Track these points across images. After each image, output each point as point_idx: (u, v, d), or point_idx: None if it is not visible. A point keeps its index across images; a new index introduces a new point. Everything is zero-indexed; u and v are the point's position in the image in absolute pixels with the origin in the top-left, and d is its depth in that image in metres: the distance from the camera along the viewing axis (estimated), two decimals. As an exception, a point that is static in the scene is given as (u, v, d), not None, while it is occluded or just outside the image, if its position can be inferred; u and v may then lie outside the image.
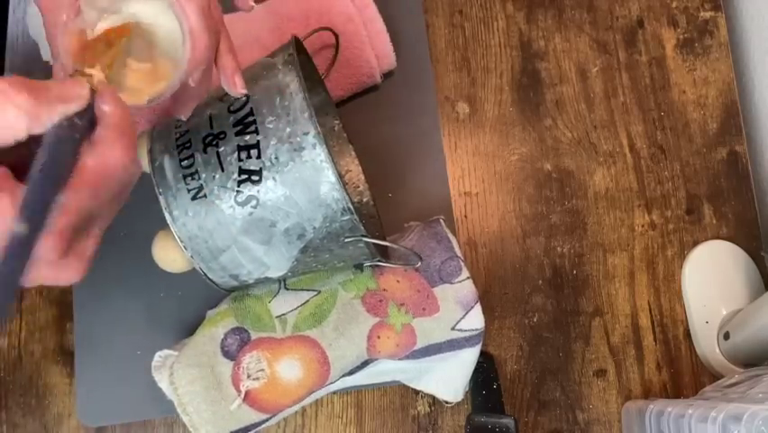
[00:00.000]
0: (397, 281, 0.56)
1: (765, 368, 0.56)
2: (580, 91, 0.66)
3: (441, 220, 0.60)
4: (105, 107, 0.35)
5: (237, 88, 0.45)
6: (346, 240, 0.49)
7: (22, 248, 0.30)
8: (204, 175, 0.48)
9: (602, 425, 0.61)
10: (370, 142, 0.63)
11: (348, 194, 0.47)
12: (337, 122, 0.62)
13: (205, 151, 0.48)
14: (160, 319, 0.61)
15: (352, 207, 0.47)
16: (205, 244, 0.49)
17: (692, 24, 0.67)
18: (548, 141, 0.65)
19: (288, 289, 0.55)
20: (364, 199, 0.61)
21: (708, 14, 0.68)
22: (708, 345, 0.61)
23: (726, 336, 0.59)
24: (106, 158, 0.34)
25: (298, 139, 0.46)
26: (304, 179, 0.46)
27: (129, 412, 0.61)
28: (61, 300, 0.63)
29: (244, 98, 0.48)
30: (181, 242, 0.49)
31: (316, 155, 0.45)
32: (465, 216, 0.64)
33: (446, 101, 0.66)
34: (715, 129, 0.66)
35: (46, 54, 0.67)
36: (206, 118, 0.49)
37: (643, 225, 0.64)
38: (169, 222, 0.49)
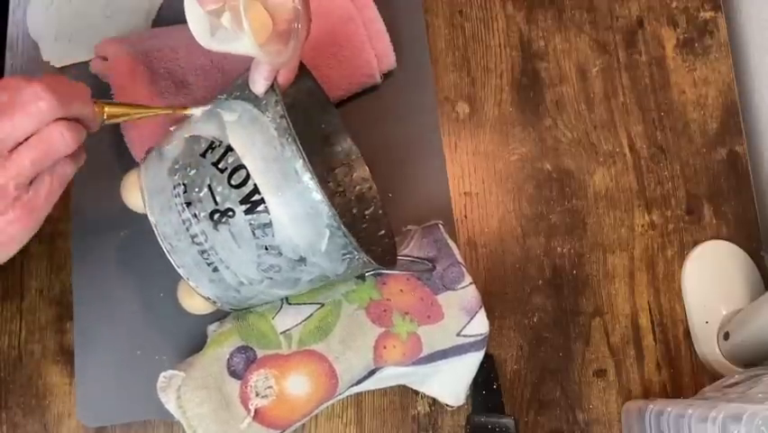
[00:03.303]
0: (401, 290, 0.56)
1: (765, 368, 0.56)
2: (580, 91, 0.66)
3: (440, 225, 0.60)
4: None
5: (257, 87, 0.46)
6: (367, 273, 0.52)
7: None
8: (221, 253, 0.47)
9: (602, 425, 0.61)
10: (370, 142, 0.62)
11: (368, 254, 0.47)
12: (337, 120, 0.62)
13: (216, 228, 0.46)
14: (160, 319, 0.61)
15: (374, 262, 0.48)
16: (234, 297, 0.51)
17: (692, 24, 0.67)
18: (548, 141, 0.65)
19: (290, 303, 0.55)
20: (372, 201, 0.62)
21: (708, 14, 0.68)
22: (708, 345, 0.61)
23: (726, 336, 0.59)
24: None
25: (314, 222, 0.45)
26: (325, 249, 0.46)
27: (129, 412, 0.61)
28: (61, 300, 0.63)
29: (244, 171, 0.45)
30: (209, 299, 0.51)
31: (334, 231, 0.45)
32: (465, 217, 0.64)
33: (446, 101, 0.66)
34: (715, 129, 0.66)
35: (46, 54, 0.67)
36: (207, 191, 0.46)
37: (643, 225, 0.64)
38: (192, 288, 0.50)
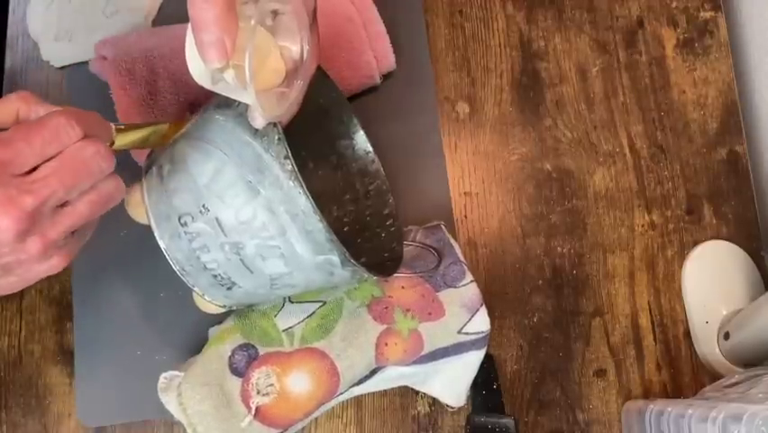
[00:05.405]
0: (402, 287, 0.56)
1: (765, 368, 0.56)
2: (580, 91, 0.66)
3: (442, 226, 0.60)
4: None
5: (256, 121, 0.43)
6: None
7: None
8: (234, 277, 0.47)
9: (602, 425, 0.61)
10: (369, 142, 0.62)
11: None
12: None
13: (227, 258, 0.46)
14: (160, 319, 0.61)
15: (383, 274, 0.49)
16: (246, 301, 0.52)
17: (692, 24, 0.67)
18: (548, 141, 0.65)
19: (292, 302, 0.55)
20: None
21: (708, 14, 0.68)
22: (708, 345, 0.61)
23: (727, 336, 0.59)
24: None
25: (322, 257, 0.45)
26: (339, 280, 0.48)
27: (129, 412, 0.61)
28: (61, 300, 0.63)
29: (251, 210, 0.44)
30: (223, 306, 0.52)
31: (345, 262, 0.45)
32: (465, 217, 0.64)
33: (446, 101, 0.66)
34: (715, 129, 0.66)
35: (46, 54, 0.67)
36: (215, 224, 0.45)
37: (643, 225, 0.64)
38: (208, 302, 0.51)
